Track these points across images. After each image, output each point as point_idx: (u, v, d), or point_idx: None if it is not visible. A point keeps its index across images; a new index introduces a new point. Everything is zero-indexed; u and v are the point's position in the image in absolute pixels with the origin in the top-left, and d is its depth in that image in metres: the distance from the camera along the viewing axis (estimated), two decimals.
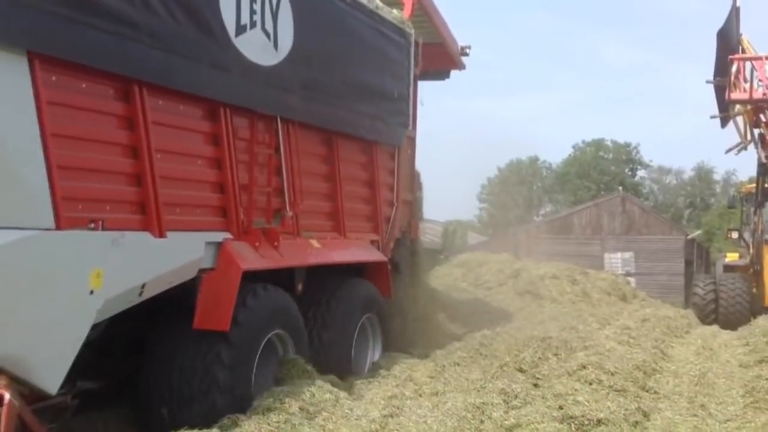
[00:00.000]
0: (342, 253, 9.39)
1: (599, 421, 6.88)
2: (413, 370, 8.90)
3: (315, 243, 8.56)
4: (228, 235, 7.17)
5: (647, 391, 8.70)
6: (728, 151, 19.00)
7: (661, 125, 55.15)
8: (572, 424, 6.85)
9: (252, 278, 7.32)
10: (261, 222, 7.69)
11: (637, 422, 7.25)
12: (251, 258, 7.26)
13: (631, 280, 27.66)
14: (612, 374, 8.69)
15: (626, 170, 63.16)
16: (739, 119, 18.41)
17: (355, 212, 9.86)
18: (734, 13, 16.98)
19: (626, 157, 63.22)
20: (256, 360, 7.19)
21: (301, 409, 6.84)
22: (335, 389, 7.55)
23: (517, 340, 10.81)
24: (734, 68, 16.97)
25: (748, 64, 17.01)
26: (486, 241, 37.33)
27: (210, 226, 7.05)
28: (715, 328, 16.04)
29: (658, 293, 26.64)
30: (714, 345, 12.86)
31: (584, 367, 8.88)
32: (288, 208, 8.15)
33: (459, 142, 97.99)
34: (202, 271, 6.86)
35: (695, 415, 7.82)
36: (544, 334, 11.39)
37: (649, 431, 7.18)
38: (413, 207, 12.13)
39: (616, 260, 34.76)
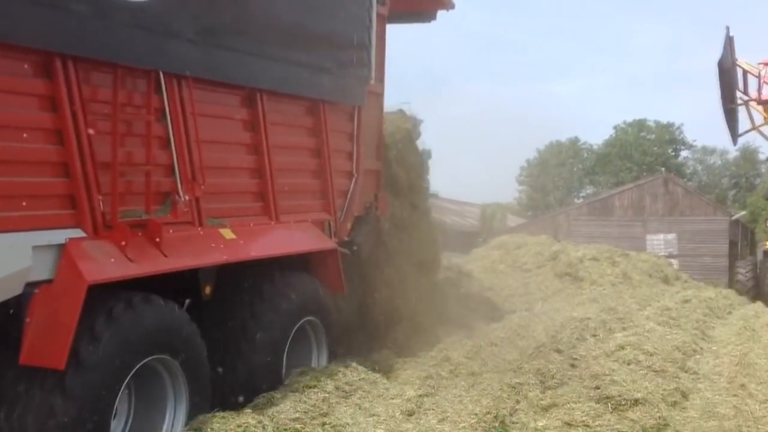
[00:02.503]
0: (268, 243, 7.38)
1: (636, 401, 6.84)
2: (450, 349, 8.92)
3: (227, 233, 6.70)
4: (78, 233, 5.32)
5: (686, 372, 8.63)
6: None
7: (704, 104, 54.39)
8: (609, 404, 6.82)
9: (133, 286, 5.63)
10: (137, 212, 5.83)
11: (675, 402, 7.21)
12: (109, 264, 5.37)
13: (674, 261, 27.34)
14: (651, 355, 8.63)
15: (669, 151, 62.22)
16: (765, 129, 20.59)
17: (294, 189, 7.90)
18: (728, 42, 18.78)
19: (669, 137, 62.26)
20: (117, 401, 5.42)
21: (336, 388, 6.91)
22: (371, 369, 7.61)
23: (554, 322, 10.80)
24: (765, 72, 18.97)
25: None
26: (525, 224, 37.18)
27: (46, 222, 5.15)
28: (758, 307, 15.86)
29: (702, 275, 26.33)
30: (756, 326, 12.69)
31: (622, 348, 8.85)
32: (181, 191, 6.22)
33: (499, 124, 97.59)
34: (32, 285, 5.05)
35: (735, 395, 7.75)
36: (583, 316, 11.34)
37: (688, 411, 7.13)
38: (380, 177, 10.11)
39: (659, 242, 34.37)
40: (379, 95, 9.82)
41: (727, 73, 19.11)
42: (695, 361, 9.37)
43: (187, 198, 6.26)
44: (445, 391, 7.14)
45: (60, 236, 5.20)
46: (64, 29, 5.11)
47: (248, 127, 7.23)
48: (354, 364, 7.52)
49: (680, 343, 9.76)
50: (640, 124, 62.20)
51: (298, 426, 5.97)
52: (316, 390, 6.69)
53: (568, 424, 6.47)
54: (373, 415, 6.39)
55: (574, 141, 64.14)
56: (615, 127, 63.14)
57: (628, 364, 8.15)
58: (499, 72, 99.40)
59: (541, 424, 6.54)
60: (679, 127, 62.33)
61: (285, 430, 5.87)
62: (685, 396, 7.56)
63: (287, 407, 6.24)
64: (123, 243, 5.51)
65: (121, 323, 5.40)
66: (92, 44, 5.33)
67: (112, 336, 5.31)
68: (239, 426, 5.67)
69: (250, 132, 7.24)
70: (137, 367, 5.54)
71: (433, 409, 6.61)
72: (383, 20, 9.54)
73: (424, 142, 11.99)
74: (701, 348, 10.25)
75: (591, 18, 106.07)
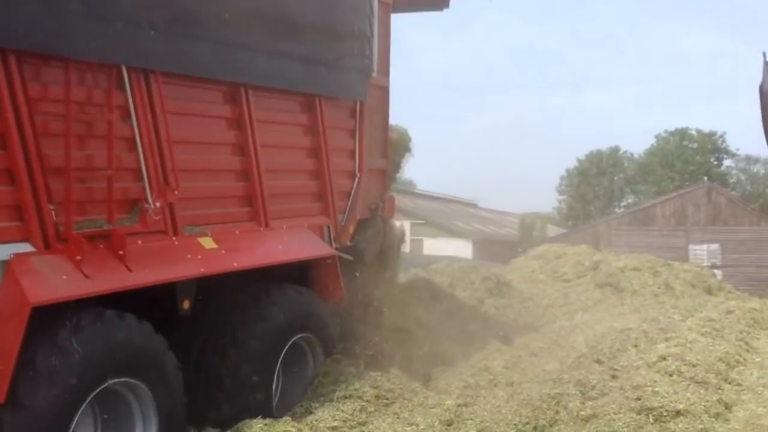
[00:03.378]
0: (255, 252, 6.77)
1: (678, 413, 6.74)
2: (489, 359, 8.89)
3: (206, 242, 6.12)
4: (26, 248, 4.80)
5: (730, 383, 8.47)
6: None
7: (747, 113, 53.77)
8: (650, 416, 6.73)
9: (104, 302, 5.17)
10: (97, 222, 5.24)
11: (718, 414, 7.09)
12: (59, 282, 4.79)
13: (717, 272, 26.96)
14: (693, 366, 8.49)
15: (712, 160, 61.45)
16: None
17: (287, 191, 7.35)
18: (765, 68, 18.81)
19: (712, 146, 61.50)
20: (71, 429, 4.88)
21: (376, 397, 6.93)
22: (410, 378, 7.61)
23: (595, 332, 10.69)
24: None
25: None
26: (565, 234, 36.98)
27: None
28: None
29: (746, 286, 25.93)
30: None
31: (664, 359, 8.71)
32: (150, 198, 5.61)
33: (538, 134, 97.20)
34: None
35: None
36: (624, 326, 11.21)
37: (731, 423, 7.00)
38: (387, 176, 9.49)
39: (702, 252, 34.00)
40: (384, 89, 9.19)
41: (765, 96, 19.05)
42: (739, 372, 9.20)
43: (158, 205, 5.67)
44: (484, 401, 7.12)
45: (4, 252, 4.68)
46: (3, 20, 4.59)
47: (232, 125, 6.66)
48: (395, 371, 7.53)
49: (723, 354, 9.58)
50: (681, 133, 61.54)
51: None
52: (354, 399, 6.72)
53: None
54: (412, 424, 6.40)
55: (615, 150, 63.67)
56: (656, 136, 62.62)
57: (670, 375, 8.03)
58: (538, 81, 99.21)
59: None
60: (721, 136, 61.58)
61: None
62: (728, 408, 7.42)
63: (326, 416, 6.29)
64: (78, 258, 4.92)
65: (72, 346, 4.83)
66: (38, 37, 4.77)
67: (62, 361, 4.75)
68: None
69: (234, 131, 6.66)
70: (94, 393, 5.01)
71: (471, 419, 6.60)
72: (387, 8, 8.99)
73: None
74: (745, 359, 10.06)
75: (630, 26, 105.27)
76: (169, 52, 5.74)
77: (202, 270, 5.94)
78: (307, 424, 6.05)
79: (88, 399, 4.98)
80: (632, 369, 8.53)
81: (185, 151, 6.03)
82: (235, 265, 6.33)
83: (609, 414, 6.74)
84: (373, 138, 8.79)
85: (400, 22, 9.66)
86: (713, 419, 6.88)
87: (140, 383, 5.36)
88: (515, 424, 6.39)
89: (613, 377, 8.28)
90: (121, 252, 5.25)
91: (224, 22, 6.20)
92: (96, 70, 5.26)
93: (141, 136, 5.59)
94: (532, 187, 71.65)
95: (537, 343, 10.07)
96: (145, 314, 5.53)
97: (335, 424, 6.18)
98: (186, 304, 6.09)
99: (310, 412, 6.39)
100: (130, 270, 5.27)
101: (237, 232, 6.57)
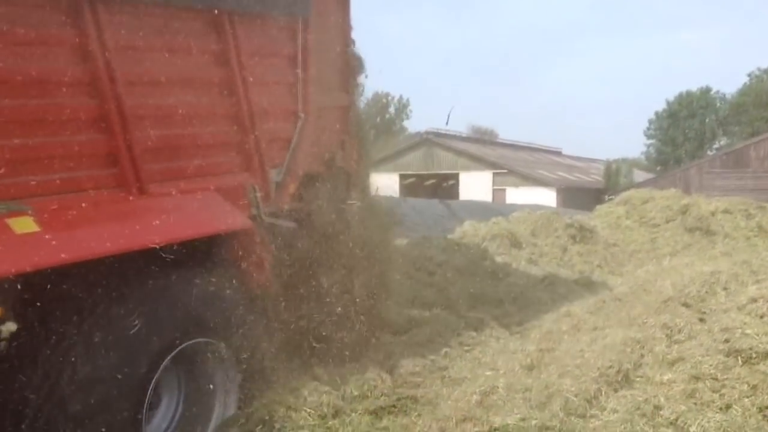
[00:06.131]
0: (109, 233, 4.48)
1: None
2: (572, 305, 8.82)
3: (22, 225, 4.12)
4: None
5: None
6: None
7: None
8: (739, 358, 6.56)
9: None
10: None
11: None
12: None
13: None
14: None
15: None
16: None
17: (176, 143, 5.24)
18: None
19: None
20: None
21: (459, 343, 6.98)
22: (490, 325, 7.63)
23: (683, 276, 10.43)
24: None
25: None
26: (653, 179, 36.13)
27: None
28: None
29: None
30: None
31: (755, 301, 8.45)
32: None
33: (626, 76, 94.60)
34: None
35: None
36: (714, 269, 10.92)
37: None
38: (349, 116, 7.09)
39: None
40: (343, 1, 6.98)
41: None
42: None
43: None
44: (567, 346, 7.07)
45: None
46: None
47: (72, 54, 4.52)
48: (476, 318, 7.56)
49: None
50: None
51: (417, 380, 6.07)
52: (436, 344, 6.78)
53: (696, 378, 6.28)
54: (493, 369, 6.41)
55: (706, 91, 61.63)
56: (749, 75, 60.35)
57: (761, 317, 7.78)
58: (626, 23, 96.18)
59: (666, 377, 6.37)
60: None
61: (404, 383, 5.98)
62: None
63: (407, 362, 6.36)
64: None
65: None
66: None
67: None
68: (358, 380, 5.78)
69: (76, 63, 4.54)
70: None
71: (553, 363, 6.57)
72: None
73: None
74: None
75: None
76: None
77: (7, 267, 3.85)
78: (388, 371, 6.12)
79: None
80: (721, 312, 8.33)
81: None
82: (63, 256, 4.16)
83: (696, 357, 6.60)
84: (327, 65, 6.63)
85: None
86: None
87: None
88: (598, 368, 6.31)
89: (701, 320, 8.11)
90: None
91: None
92: None
93: None
94: (620, 132, 70.12)
95: (621, 287, 9.91)
96: None
97: (416, 369, 6.25)
98: None
99: (391, 358, 6.47)
100: None
101: (84, 205, 4.54)
